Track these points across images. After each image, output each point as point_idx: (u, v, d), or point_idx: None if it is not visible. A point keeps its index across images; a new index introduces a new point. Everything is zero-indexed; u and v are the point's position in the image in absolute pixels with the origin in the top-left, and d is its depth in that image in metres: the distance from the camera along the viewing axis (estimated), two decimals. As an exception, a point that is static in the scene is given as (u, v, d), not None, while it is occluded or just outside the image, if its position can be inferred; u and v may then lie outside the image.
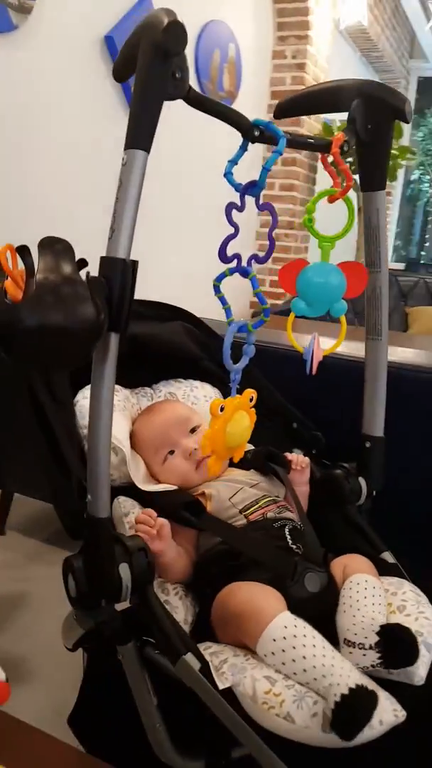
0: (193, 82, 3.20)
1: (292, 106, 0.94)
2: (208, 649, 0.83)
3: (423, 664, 0.78)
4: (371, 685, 0.73)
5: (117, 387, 1.12)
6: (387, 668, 0.77)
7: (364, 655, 0.78)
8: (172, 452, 1.04)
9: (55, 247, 0.64)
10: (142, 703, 0.84)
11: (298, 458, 1.09)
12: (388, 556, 1.01)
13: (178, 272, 2.96)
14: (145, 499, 0.99)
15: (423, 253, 6.60)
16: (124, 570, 0.78)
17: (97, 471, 0.73)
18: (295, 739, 0.70)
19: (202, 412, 1.12)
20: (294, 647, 0.75)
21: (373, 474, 1.08)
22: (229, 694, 0.75)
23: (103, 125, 2.48)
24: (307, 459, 1.10)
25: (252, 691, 0.73)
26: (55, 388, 1.00)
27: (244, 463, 1.04)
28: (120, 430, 1.01)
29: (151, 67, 0.66)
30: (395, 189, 6.03)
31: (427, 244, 6.43)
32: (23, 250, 0.61)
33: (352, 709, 0.68)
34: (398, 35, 4.98)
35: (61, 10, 2.17)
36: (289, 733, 0.70)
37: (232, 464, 1.06)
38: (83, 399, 1.05)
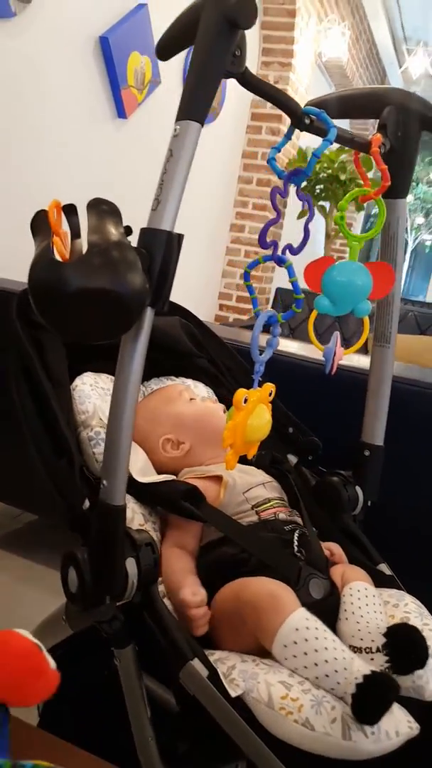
0: (179, 91, 3.23)
1: (320, 107, 0.93)
2: (210, 656, 0.78)
3: None
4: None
5: (113, 378, 1.08)
6: (396, 672, 0.74)
7: (372, 659, 0.76)
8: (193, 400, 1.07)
9: (104, 208, 0.60)
10: (136, 715, 0.79)
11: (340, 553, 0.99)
12: (384, 568, 0.99)
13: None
14: (139, 491, 0.94)
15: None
16: (130, 565, 0.73)
17: (118, 455, 0.69)
18: (313, 749, 0.67)
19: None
20: (317, 638, 0.72)
21: (369, 483, 1.06)
22: (236, 704, 0.71)
23: (92, 119, 2.46)
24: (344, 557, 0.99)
25: (267, 697, 0.69)
26: (52, 371, 0.95)
27: (249, 464, 1.01)
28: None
29: (216, 39, 0.64)
30: (356, 221, 6.21)
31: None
32: (70, 210, 0.57)
33: (374, 691, 0.66)
34: (371, 75, 5.16)
35: (61, 4, 2.14)
36: (307, 742, 0.67)
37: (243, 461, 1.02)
38: (81, 384, 1.00)
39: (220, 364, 1.22)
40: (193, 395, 1.08)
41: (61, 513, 0.83)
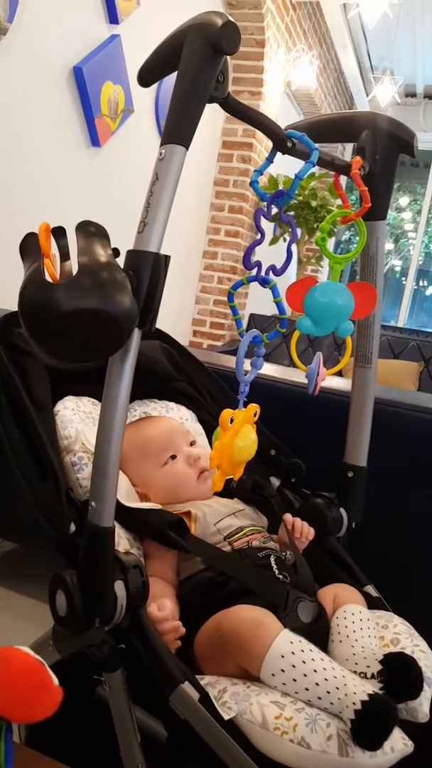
0: (152, 122, 3.25)
1: (301, 132, 0.95)
2: (200, 680, 0.77)
3: (425, 700, 0.77)
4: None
5: (95, 401, 1.08)
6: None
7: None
8: (173, 457, 1.01)
9: (92, 231, 0.60)
10: (125, 740, 0.77)
11: (301, 526, 0.99)
12: (371, 590, 0.99)
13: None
14: (124, 516, 0.93)
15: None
16: (119, 588, 0.72)
17: (106, 476, 0.68)
18: (309, 769, 0.66)
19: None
20: (304, 662, 0.71)
21: (354, 504, 1.07)
22: (229, 727, 0.70)
23: (66, 148, 2.47)
24: (312, 531, 1.00)
25: (261, 718, 0.68)
26: (36, 396, 0.94)
27: (229, 491, 1.01)
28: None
29: (201, 65, 0.65)
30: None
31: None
32: (59, 232, 0.58)
33: (375, 715, 0.65)
34: (339, 103, 5.30)
35: (35, 36, 2.17)
36: (304, 762, 0.66)
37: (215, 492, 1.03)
38: (63, 409, 1.00)
39: (201, 387, 1.23)
40: (176, 450, 1.01)
41: (48, 537, 0.82)
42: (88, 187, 2.64)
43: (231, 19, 0.64)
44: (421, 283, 8.62)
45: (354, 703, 0.66)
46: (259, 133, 3.74)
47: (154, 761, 0.79)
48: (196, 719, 0.70)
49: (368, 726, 0.65)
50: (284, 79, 4.03)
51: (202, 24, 0.65)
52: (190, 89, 0.66)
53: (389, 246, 8.75)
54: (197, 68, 0.65)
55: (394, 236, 8.48)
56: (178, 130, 0.66)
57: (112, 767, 0.80)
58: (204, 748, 0.70)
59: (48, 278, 0.57)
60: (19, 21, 2.06)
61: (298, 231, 3.98)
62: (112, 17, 2.57)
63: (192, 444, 1.04)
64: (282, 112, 4.14)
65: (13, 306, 0.83)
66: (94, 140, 2.58)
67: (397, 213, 8.18)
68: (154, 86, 2.94)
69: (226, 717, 0.69)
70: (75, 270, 0.58)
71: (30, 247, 0.61)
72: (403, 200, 8.28)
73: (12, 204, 2.19)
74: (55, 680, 0.39)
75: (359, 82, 4.95)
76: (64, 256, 0.60)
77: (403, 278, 7.79)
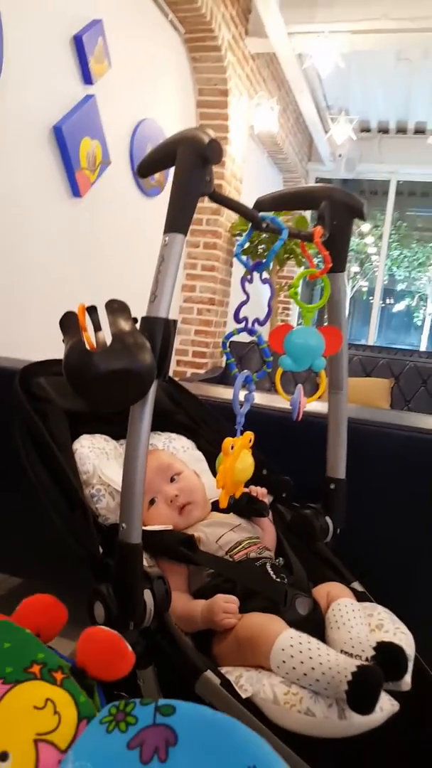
0: (128, 171, 3.43)
1: (271, 202, 1.14)
2: (219, 670, 0.91)
3: (408, 673, 0.91)
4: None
5: (107, 437, 1.23)
6: None
7: None
8: (153, 501, 1.13)
9: (116, 306, 0.77)
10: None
11: (258, 490, 1.22)
12: (357, 586, 1.14)
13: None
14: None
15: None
16: (147, 595, 0.86)
17: (133, 501, 0.83)
18: (316, 733, 0.80)
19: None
20: (301, 651, 0.84)
21: (337, 513, 1.22)
22: (247, 705, 0.83)
23: (49, 199, 2.66)
24: (264, 490, 1.22)
25: (273, 695, 0.82)
26: (56, 437, 1.09)
27: (227, 507, 1.15)
28: (117, 475, 1.11)
29: (194, 171, 0.82)
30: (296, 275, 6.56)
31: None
32: (92, 310, 0.74)
33: (365, 682, 0.78)
34: (299, 141, 5.59)
35: (19, 97, 2.36)
36: (310, 727, 0.80)
37: (214, 508, 1.18)
38: (81, 447, 1.14)
39: (197, 418, 1.38)
40: (154, 492, 1.13)
41: (80, 558, 0.96)
42: (72, 233, 2.82)
43: (213, 136, 0.82)
44: (387, 301, 8.94)
45: (346, 676, 0.80)
46: (227, 175, 3.96)
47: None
48: (219, 700, 0.83)
49: (361, 692, 0.79)
50: (248, 123, 4.28)
51: (191, 139, 0.82)
52: (185, 189, 0.83)
53: (356, 269, 9.09)
54: (190, 173, 0.82)
55: (359, 260, 8.83)
56: (177, 221, 0.83)
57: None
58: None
59: (87, 347, 0.74)
60: (4, 82, 2.25)
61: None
62: (87, 78, 2.77)
63: (173, 479, 1.16)
64: (250, 153, 4.38)
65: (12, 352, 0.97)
66: (75, 191, 2.77)
67: (360, 239, 8.53)
68: (128, 138, 3.15)
69: (243, 696, 0.83)
70: (106, 337, 0.74)
71: (70, 324, 0.78)
72: (365, 227, 8.65)
73: (1, 252, 2.36)
74: (130, 648, 0.53)
75: (317, 122, 5.24)
76: (97, 327, 0.76)
77: (371, 297, 8.09)
